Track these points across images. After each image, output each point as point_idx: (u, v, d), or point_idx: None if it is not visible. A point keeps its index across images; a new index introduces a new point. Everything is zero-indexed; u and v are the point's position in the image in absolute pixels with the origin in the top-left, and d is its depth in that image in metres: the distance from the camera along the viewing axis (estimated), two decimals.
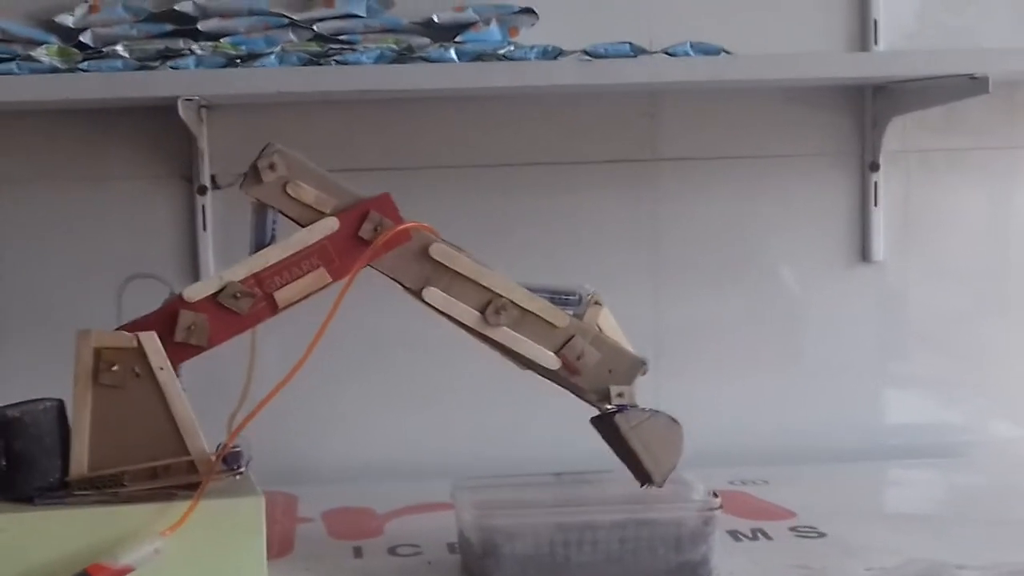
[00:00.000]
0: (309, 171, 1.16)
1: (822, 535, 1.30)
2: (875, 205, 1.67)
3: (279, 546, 1.29)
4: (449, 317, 1.16)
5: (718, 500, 1.17)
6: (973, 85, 1.40)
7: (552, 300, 1.17)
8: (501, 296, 1.16)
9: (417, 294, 1.16)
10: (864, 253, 1.68)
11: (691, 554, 1.15)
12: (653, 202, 1.66)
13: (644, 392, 1.18)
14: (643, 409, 1.16)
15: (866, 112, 1.66)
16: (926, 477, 1.62)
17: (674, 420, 1.16)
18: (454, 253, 1.16)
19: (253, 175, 1.15)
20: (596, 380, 1.17)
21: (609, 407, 1.16)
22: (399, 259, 1.16)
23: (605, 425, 1.17)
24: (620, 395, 1.16)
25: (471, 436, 1.61)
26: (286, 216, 1.16)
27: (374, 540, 1.32)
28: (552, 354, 1.16)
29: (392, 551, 1.28)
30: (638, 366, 1.17)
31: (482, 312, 1.16)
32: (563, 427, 1.19)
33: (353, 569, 1.23)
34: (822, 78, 1.49)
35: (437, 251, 1.16)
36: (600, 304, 1.18)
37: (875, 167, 1.66)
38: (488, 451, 1.58)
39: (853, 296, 1.69)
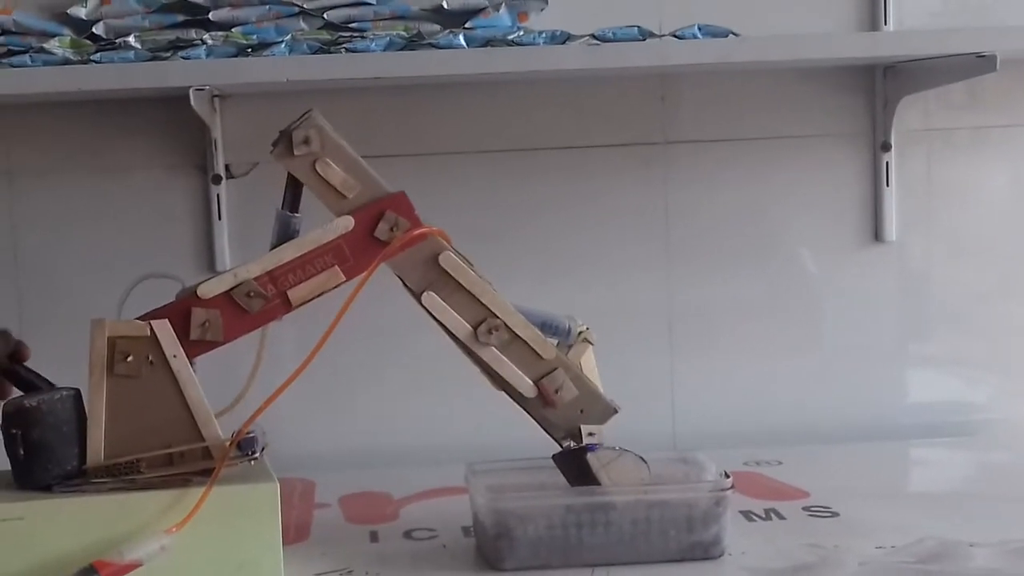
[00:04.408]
0: (342, 152, 1.15)
1: (835, 514, 1.31)
2: (887, 185, 1.67)
3: (296, 531, 1.31)
4: (441, 325, 1.17)
5: (730, 480, 1.18)
6: (981, 63, 1.39)
7: (542, 328, 1.18)
8: (497, 317, 1.16)
9: (417, 296, 1.17)
10: (877, 233, 1.68)
11: (703, 534, 1.16)
12: (665, 185, 1.66)
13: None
14: (612, 448, 1.18)
15: (877, 92, 1.66)
16: (943, 456, 1.62)
17: (641, 458, 1.18)
18: (461, 265, 1.16)
19: (286, 145, 1.15)
20: (567, 417, 1.18)
21: (573, 445, 1.18)
22: (407, 259, 1.16)
23: (567, 462, 1.19)
24: (591, 434, 1.17)
25: (485, 421, 1.60)
26: (309, 189, 1.15)
27: (390, 524, 1.34)
28: (530, 382, 1.17)
29: (408, 535, 1.29)
30: (610, 412, 1.18)
31: (475, 328, 1.16)
32: None
33: (369, 553, 1.24)
34: (828, 59, 1.49)
35: (446, 260, 1.16)
36: (590, 342, 1.20)
37: (887, 147, 1.66)
38: (502, 435, 1.57)
39: (866, 276, 1.69)
